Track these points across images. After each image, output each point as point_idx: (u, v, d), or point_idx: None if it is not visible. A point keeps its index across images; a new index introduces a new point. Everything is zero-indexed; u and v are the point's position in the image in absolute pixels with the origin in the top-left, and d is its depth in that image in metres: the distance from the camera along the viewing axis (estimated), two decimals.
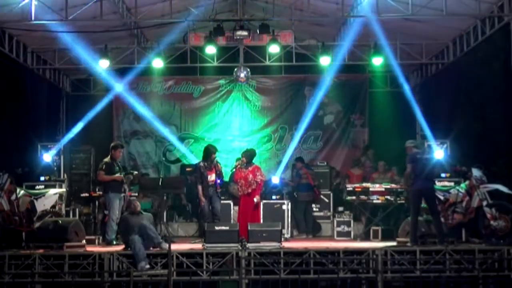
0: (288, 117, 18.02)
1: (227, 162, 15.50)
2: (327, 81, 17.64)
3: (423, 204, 11.90)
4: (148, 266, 10.60)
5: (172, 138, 17.59)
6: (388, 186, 13.61)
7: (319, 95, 17.39)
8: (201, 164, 12.68)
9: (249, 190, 12.62)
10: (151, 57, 15.67)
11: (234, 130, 17.99)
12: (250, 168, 12.72)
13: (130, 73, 16.38)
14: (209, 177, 12.49)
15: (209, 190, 12.47)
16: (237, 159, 13.63)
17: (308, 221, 14.50)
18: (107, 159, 12.34)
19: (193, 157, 17.06)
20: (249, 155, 12.94)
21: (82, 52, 14.75)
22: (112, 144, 12.59)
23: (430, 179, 11.72)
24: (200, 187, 12.50)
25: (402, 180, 12.06)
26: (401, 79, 15.94)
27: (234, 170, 13.38)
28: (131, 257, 10.70)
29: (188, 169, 15.93)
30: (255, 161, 13.27)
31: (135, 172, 13.10)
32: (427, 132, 15.06)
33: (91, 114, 16.21)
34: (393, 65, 15.76)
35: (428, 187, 11.64)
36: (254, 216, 12.61)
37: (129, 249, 10.81)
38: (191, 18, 14.02)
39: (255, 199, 12.63)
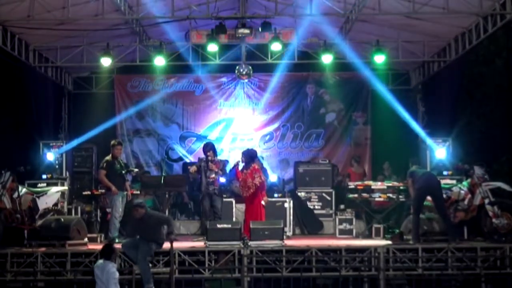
0: (290, 115, 17.99)
1: (228, 160, 15.49)
2: (329, 79, 17.70)
3: (426, 202, 11.92)
4: None
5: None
6: (390, 184, 13.61)
7: (321, 93, 17.43)
8: (202, 160, 12.71)
9: (248, 194, 12.31)
10: (153, 55, 15.66)
11: (236, 128, 17.95)
12: (248, 171, 12.34)
13: (132, 71, 16.31)
14: (208, 173, 12.48)
15: (209, 187, 12.45)
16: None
17: None
18: (108, 158, 12.35)
19: (195, 156, 17.08)
20: (247, 155, 12.52)
21: None
22: (111, 143, 12.58)
23: (433, 176, 11.71)
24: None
25: (409, 191, 12.06)
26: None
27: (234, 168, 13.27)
28: None
29: (190, 167, 15.93)
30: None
31: (136, 169, 13.10)
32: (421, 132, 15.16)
33: (93, 113, 16.23)
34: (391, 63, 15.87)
35: (433, 185, 11.65)
36: (258, 216, 12.38)
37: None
38: (193, 15, 14.00)
39: (262, 202, 12.43)
